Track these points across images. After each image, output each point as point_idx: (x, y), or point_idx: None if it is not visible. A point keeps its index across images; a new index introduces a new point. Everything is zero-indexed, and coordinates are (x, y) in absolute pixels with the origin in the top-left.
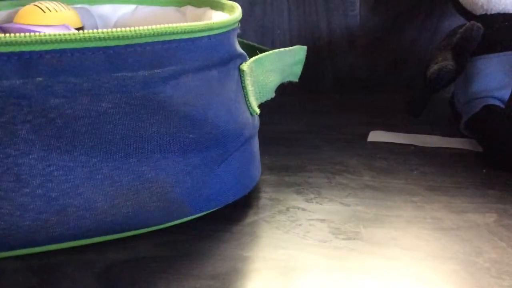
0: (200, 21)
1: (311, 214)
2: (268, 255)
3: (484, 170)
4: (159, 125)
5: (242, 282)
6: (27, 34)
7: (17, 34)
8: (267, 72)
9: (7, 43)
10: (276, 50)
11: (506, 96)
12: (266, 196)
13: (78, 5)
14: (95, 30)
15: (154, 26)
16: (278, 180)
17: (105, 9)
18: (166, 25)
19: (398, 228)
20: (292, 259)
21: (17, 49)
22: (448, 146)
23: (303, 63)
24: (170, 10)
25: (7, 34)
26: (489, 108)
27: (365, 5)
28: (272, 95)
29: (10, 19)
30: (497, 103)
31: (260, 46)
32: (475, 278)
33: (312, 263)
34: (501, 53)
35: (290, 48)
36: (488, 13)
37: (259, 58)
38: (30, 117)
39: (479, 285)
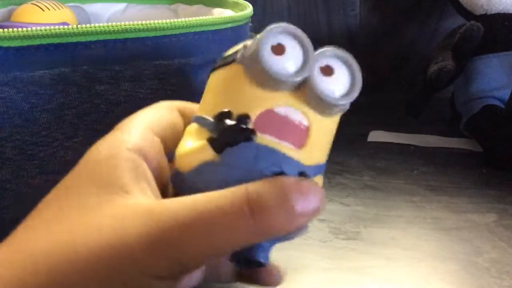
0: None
1: None
2: None
3: (484, 170)
4: None
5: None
6: (74, 26)
7: (65, 27)
8: None
9: (55, 35)
10: None
11: (506, 96)
12: None
13: (71, 4)
14: (134, 22)
15: (187, 19)
16: None
17: (97, 7)
18: (197, 18)
19: (398, 228)
20: (292, 259)
21: (64, 40)
22: (448, 146)
23: None
24: (161, 8)
25: (55, 27)
26: (489, 108)
27: (365, 5)
28: None
29: (6, 18)
30: (497, 103)
31: None
32: (475, 278)
33: (312, 263)
34: (501, 53)
35: None
36: (488, 13)
37: None
38: (77, 102)
39: (479, 285)
